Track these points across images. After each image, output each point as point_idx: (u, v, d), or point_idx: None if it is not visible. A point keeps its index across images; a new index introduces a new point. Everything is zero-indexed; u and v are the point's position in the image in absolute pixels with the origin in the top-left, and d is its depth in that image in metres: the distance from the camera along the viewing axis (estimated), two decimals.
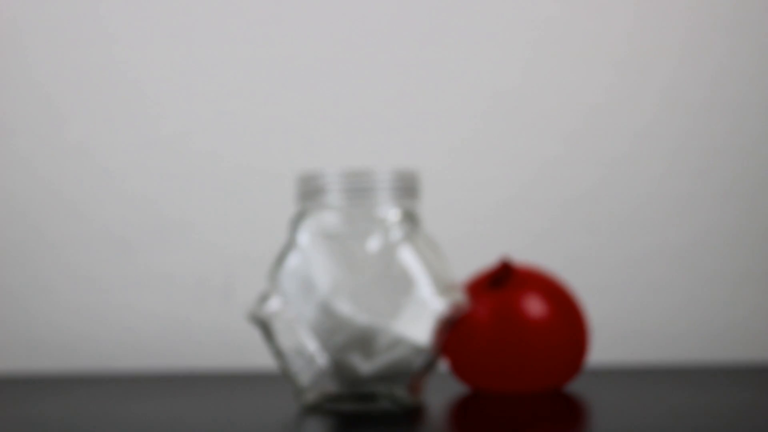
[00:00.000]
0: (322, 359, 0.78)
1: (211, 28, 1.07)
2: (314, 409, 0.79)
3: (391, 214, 0.79)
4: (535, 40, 1.06)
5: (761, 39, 1.05)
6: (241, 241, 1.06)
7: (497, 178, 1.06)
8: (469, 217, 1.06)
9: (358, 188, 0.79)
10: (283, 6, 1.07)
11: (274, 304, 0.79)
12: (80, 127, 1.08)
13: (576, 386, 0.86)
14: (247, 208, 1.06)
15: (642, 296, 1.05)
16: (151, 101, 1.07)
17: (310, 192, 0.80)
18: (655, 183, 1.05)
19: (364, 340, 0.76)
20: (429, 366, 0.79)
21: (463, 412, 0.80)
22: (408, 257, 0.79)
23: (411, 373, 0.78)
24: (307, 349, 0.79)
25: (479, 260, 1.05)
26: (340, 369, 0.77)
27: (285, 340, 0.79)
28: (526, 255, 1.05)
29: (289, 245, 0.80)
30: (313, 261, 0.77)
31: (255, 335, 1.05)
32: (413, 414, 0.77)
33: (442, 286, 0.79)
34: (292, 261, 0.78)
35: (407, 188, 0.80)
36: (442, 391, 0.85)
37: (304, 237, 0.79)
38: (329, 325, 0.76)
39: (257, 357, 1.06)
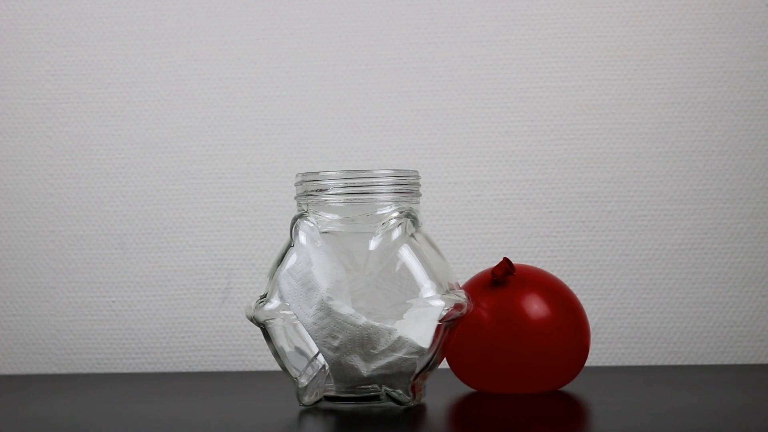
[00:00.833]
0: (322, 359, 0.78)
1: (211, 28, 1.07)
2: (314, 409, 0.79)
3: (391, 214, 0.79)
4: (535, 40, 1.06)
5: (762, 39, 1.05)
6: (241, 241, 1.06)
7: (497, 178, 1.06)
8: (469, 217, 1.06)
9: (358, 188, 0.79)
10: (283, 6, 1.07)
11: (273, 304, 0.79)
12: (80, 127, 1.08)
13: (576, 386, 0.86)
14: (247, 208, 1.06)
15: (642, 296, 1.05)
16: (151, 101, 1.07)
17: (310, 192, 0.80)
18: (655, 183, 1.05)
19: (364, 341, 0.76)
20: (429, 366, 0.79)
21: (463, 412, 0.80)
22: (408, 257, 0.79)
23: (411, 374, 0.78)
24: (307, 349, 0.79)
25: (479, 260, 1.04)
26: (340, 369, 0.77)
27: (285, 340, 0.79)
28: (526, 255, 1.05)
29: (289, 245, 0.80)
30: (313, 261, 0.77)
31: (255, 335, 1.05)
32: (413, 414, 0.77)
33: (443, 286, 0.79)
34: (292, 261, 0.78)
35: (407, 188, 0.80)
36: (442, 391, 0.85)
37: (304, 237, 0.79)
38: (329, 325, 0.76)
39: (257, 357, 1.06)
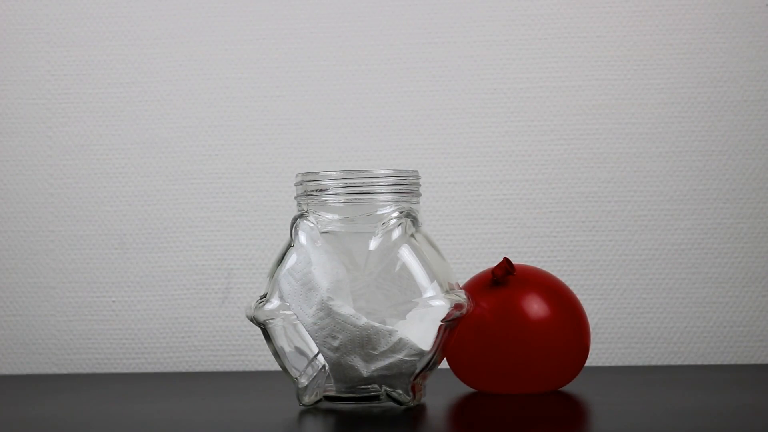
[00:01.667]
0: (322, 359, 0.78)
1: (211, 28, 1.07)
2: (314, 409, 0.79)
3: (391, 214, 0.79)
4: (535, 40, 1.06)
5: (762, 39, 1.05)
6: (241, 241, 1.06)
7: (497, 178, 1.06)
8: (469, 217, 1.06)
9: (358, 188, 0.79)
10: (283, 6, 1.07)
11: (273, 304, 0.79)
12: (80, 127, 1.08)
13: (576, 386, 0.86)
14: (247, 208, 1.06)
15: (642, 296, 1.05)
16: (151, 101, 1.07)
17: (310, 192, 0.80)
18: (655, 183, 1.05)
19: (365, 341, 0.76)
20: (429, 366, 0.79)
21: (463, 412, 0.80)
22: (408, 257, 0.79)
23: (411, 374, 0.78)
24: (307, 349, 0.79)
25: (479, 260, 1.04)
26: (340, 369, 0.77)
27: (285, 340, 0.79)
28: (526, 255, 1.05)
29: (289, 245, 0.80)
30: (313, 261, 0.77)
31: (255, 335, 1.05)
32: (413, 414, 0.77)
33: (443, 286, 0.79)
34: (292, 261, 0.78)
35: (407, 188, 0.80)
36: (442, 391, 0.85)
37: (304, 237, 0.79)
38: (329, 326, 0.76)
39: (257, 357, 1.06)
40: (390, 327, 0.76)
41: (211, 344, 1.06)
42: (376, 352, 0.76)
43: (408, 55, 1.06)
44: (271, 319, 0.79)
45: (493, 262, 1.00)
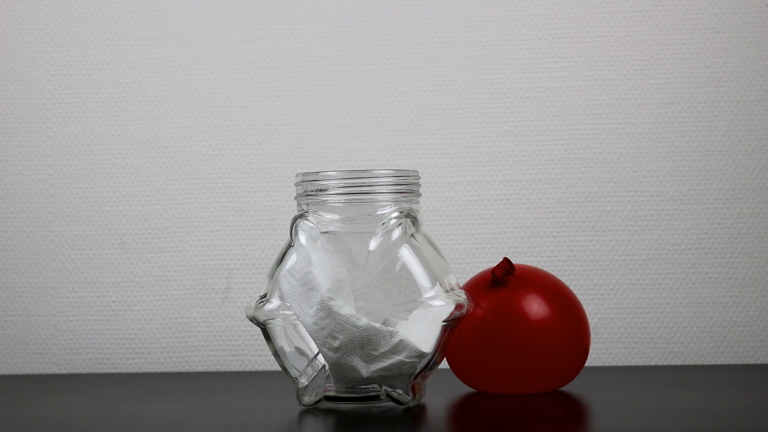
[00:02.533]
0: (322, 359, 0.78)
1: (211, 28, 1.07)
2: (314, 409, 0.79)
3: (391, 214, 0.79)
4: (535, 40, 1.06)
5: (762, 39, 1.05)
6: (241, 241, 1.06)
7: (497, 178, 1.06)
8: (469, 217, 1.06)
9: (358, 188, 0.79)
10: (283, 6, 1.07)
11: (273, 304, 0.79)
12: (80, 127, 1.08)
13: (576, 386, 0.86)
14: (247, 208, 1.06)
15: (642, 296, 1.05)
16: (151, 101, 1.07)
17: (310, 192, 0.80)
18: (655, 183, 1.05)
19: (365, 342, 0.76)
20: (429, 366, 0.79)
21: (463, 412, 0.80)
22: (408, 257, 0.79)
23: (411, 374, 0.78)
24: (307, 349, 0.79)
25: (479, 260, 1.04)
26: (340, 369, 0.77)
27: (285, 340, 0.79)
28: (526, 255, 1.05)
29: (289, 245, 0.80)
30: (313, 261, 0.77)
31: (255, 335, 1.05)
32: (413, 414, 0.77)
33: (443, 287, 0.79)
34: (292, 261, 0.78)
35: (407, 188, 0.80)
36: (442, 391, 0.85)
37: (304, 237, 0.79)
38: (329, 326, 0.76)
39: (257, 357, 1.06)
40: (390, 328, 0.76)
41: (211, 344, 1.06)
42: (376, 353, 0.76)
43: (408, 55, 1.06)
44: (271, 319, 0.79)
45: (493, 262, 1.00)
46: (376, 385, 0.77)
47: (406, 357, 0.77)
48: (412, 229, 0.79)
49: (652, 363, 1.04)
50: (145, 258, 1.07)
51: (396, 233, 0.79)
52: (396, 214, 0.79)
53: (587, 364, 0.90)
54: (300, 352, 0.79)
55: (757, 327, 1.04)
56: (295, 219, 0.80)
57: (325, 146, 1.06)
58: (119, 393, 0.92)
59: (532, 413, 0.78)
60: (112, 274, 1.07)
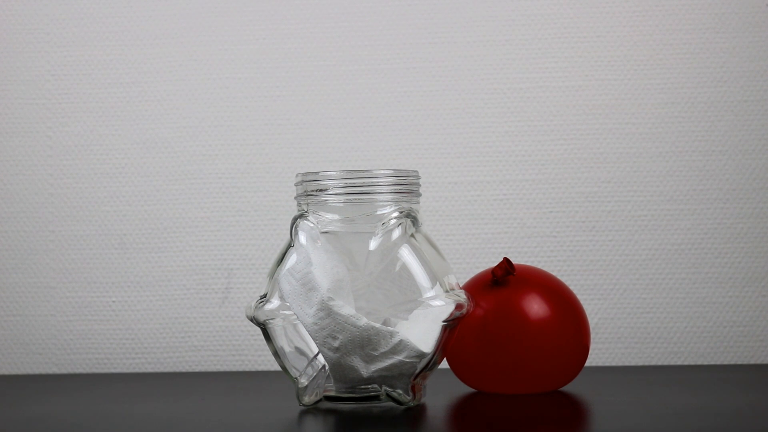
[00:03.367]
0: (321, 359, 0.78)
1: (211, 28, 1.07)
2: (314, 409, 0.79)
3: (391, 214, 0.79)
4: (535, 40, 1.06)
5: (762, 39, 1.05)
6: (241, 241, 1.06)
7: (497, 178, 1.06)
8: (469, 217, 1.06)
9: (358, 188, 0.79)
10: (283, 6, 1.07)
11: (273, 304, 0.79)
12: (80, 127, 1.08)
13: (576, 386, 0.86)
14: (247, 208, 1.06)
15: (642, 296, 1.05)
16: (151, 101, 1.07)
17: (310, 192, 0.80)
18: (655, 183, 1.05)
19: (365, 342, 0.76)
20: (429, 366, 0.79)
21: (463, 412, 0.80)
22: (408, 257, 0.79)
23: (411, 374, 0.78)
24: (307, 349, 0.79)
25: (479, 260, 1.04)
26: (340, 369, 0.77)
27: (285, 340, 0.79)
28: (526, 255, 1.05)
29: (289, 245, 0.80)
30: (313, 261, 0.77)
31: (255, 335, 1.05)
32: (413, 414, 0.77)
33: (443, 287, 0.79)
34: (292, 261, 0.78)
35: (407, 188, 0.80)
36: (442, 391, 0.85)
37: (304, 237, 0.78)
38: (329, 326, 0.76)
39: (257, 357, 1.06)
40: (390, 328, 0.76)
41: (211, 344, 1.06)
42: (376, 353, 0.76)
43: (408, 55, 1.06)
44: (271, 319, 0.79)
45: (493, 262, 1.00)
46: (376, 385, 0.77)
47: (406, 357, 0.77)
48: (412, 229, 0.79)
49: (652, 363, 1.04)
50: (145, 258, 1.07)
51: (396, 233, 0.79)
52: (396, 214, 0.79)
53: (587, 364, 0.90)
54: (300, 352, 0.79)
55: (757, 327, 1.04)
56: (295, 219, 0.80)
57: (325, 146, 1.06)
58: (119, 393, 0.92)
59: (532, 413, 0.78)
60: (112, 274, 1.07)
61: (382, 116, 1.06)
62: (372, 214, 0.79)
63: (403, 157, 1.06)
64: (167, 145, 1.07)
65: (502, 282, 0.84)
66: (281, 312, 0.78)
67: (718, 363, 1.04)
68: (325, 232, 0.79)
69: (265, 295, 0.80)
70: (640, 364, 1.04)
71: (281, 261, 0.79)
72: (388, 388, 0.77)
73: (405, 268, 0.78)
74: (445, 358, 0.81)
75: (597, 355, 1.04)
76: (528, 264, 0.98)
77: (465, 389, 0.86)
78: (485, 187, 1.06)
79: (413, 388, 0.78)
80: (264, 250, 1.06)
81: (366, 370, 0.76)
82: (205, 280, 1.06)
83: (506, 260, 0.84)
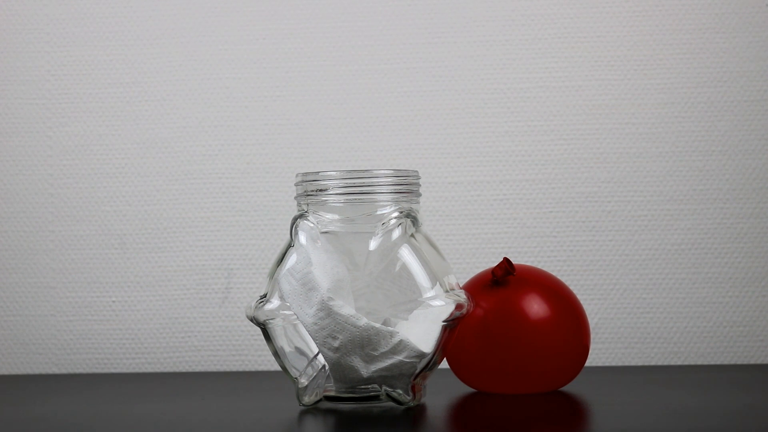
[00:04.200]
0: (321, 359, 0.78)
1: (211, 28, 1.07)
2: (314, 409, 0.79)
3: (391, 214, 0.79)
4: (535, 40, 1.06)
5: (762, 39, 1.05)
6: (241, 241, 1.06)
7: (497, 178, 1.06)
8: (469, 217, 1.06)
9: (358, 188, 0.79)
10: (283, 6, 1.07)
11: (273, 304, 0.79)
12: (80, 127, 1.08)
13: (576, 386, 0.86)
14: (247, 208, 1.06)
15: (642, 296, 1.05)
16: (151, 101, 1.07)
17: (310, 192, 0.80)
18: (655, 183, 1.05)
19: (365, 342, 0.76)
20: (429, 366, 0.79)
21: (463, 412, 0.80)
22: (408, 257, 0.79)
23: (411, 374, 0.78)
24: (307, 349, 0.79)
25: (479, 260, 1.04)
26: (340, 369, 0.77)
27: (285, 340, 0.79)
28: (526, 255, 1.05)
29: (289, 245, 0.80)
30: (313, 261, 0.77)
31: (255, 335, 1.05)
32: (413, 414, 0.77)
33: (443, 287, 0.79)
34: (292, 261, 0.78)
35: (407, 188, 0.80)
36: (442, 391, 0.85)
37: (303, 237, 0.78)
38: (329, 326, 0.76)
39: (257, 357, 1.06)
40: (390, 328, 0.76)
41: (211, 344, 1.06)
42: (376, 353, 0.76)
43: (408, 55, 1.06)
44: (271, 319, 0.79)
45: (493, 262, 1.00)
46: (376, 385, 0.77)
47: (406, 357, 0.77)
48: (412, 229, 0.79)
49: (652, 363, 1.04)
50: (145, 258, 1.07)
51: (396, 233, 0.79)
52: (396, 214, 0.79)
53: (587, 364, 0.90)
54: (300, 352, 0.79)
55: (757, 327, 1.04)
56: (295, 219, 0.80)
57: (325, 146, 1.06)
58: (119, 393, 0.92)
59: (532, 413, 0.78)
60: (112, 274, 1.07)
61: (382, 116, 1.06)
62: (372, 214, 0.79)
63: (403, 157, 1.06)
64: (167, 145, 1.07)
65: (502, 282, 0.84)
66: (281, 312, 0.78)
67: (718, 363, 1.04)
68: (325, 232, 0.79)
69: (265, 295, 0.80)
70: (640, 364, 1.04)
71: (281, 261, 0.79)
72: (388, 388, 0.77)
73: (405, 268, 0.78)
74: (445, 358, 0.81)
75: (597, 355, 1.04)
76: (528, 264, 0.98)
77: (465, 389, 0.86)
78: (485, 187, 1.06)
79: (413, 388, 0.78)
80: (264, 250, 1.06)
81: (366, 370, 0.76)
82: (205, 280, 1.06)
83: (506, 260, 0.84)
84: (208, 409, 0.83)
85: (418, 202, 0.81)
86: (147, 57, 1.07)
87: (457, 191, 1.06)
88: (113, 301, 1.07)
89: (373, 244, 0.78)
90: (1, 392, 0.95)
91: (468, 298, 0.80)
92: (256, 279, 1.06)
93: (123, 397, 0.90)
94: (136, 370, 1.06)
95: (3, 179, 1.08)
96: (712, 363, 1.04)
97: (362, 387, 0.78)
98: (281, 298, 0.78)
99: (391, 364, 0.76)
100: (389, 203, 0.79)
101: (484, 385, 0.85)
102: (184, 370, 1.06)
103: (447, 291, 0.79)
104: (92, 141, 1.07)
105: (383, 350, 0.76)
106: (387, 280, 0.78)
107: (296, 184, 0.80)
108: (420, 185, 0.81)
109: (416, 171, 0.81)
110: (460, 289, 0.80)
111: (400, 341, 0.76)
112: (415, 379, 0.78)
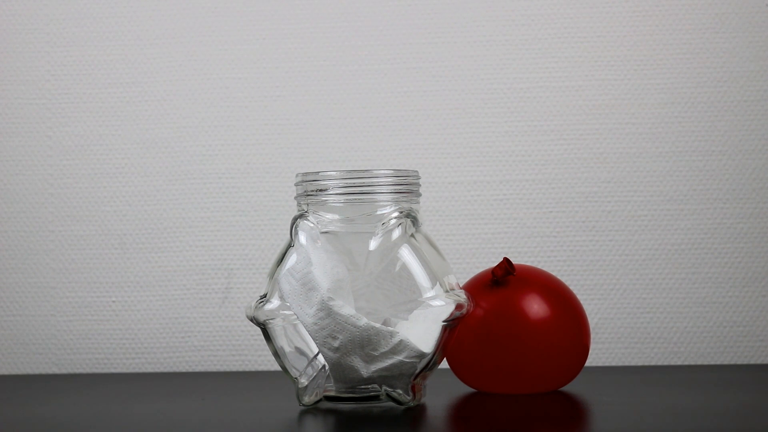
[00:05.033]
0: (322, 359, 0.78)
1: (211, 28, 1.07)
2: (314, 409, 0.79)
3: (391, 214, 0.79)
4: (535, 40, 1.06)
5: (762, 39, 1.05)
6: (241, 241, 1.06)
7: (497, 178, 1.06)
8: (469, 217, 1.06)
9: (358, 188, 0.79)
10: (283, 6, 1.07)
11: (273, 304, 0.79)
12: (80, 127, 1.08)
13: (576, 386, 0.86)
14: (247, 208, 1.06)
15: (642, 296, 1.05)
16: (151, 101, 1.07)
17: (310, 192, 0.80)
18: (655, 183, 1.05)
19: (365, 342, 0.76)
20: (429, 366, 0.79)
21: (463, 412, 0.80)
22: (408, 257, 0.79)
23: (411, 374, 0.78)
24: (307, 349, 0.79)
25: (479, 260, 1.05)
26: (340, 369, 0.77)
27: (285, 340, 0.79)
28: (526, 255, 1.05)
29: (289, 245, 0.80)
30: (313, 261, 0.77)
31: (255, 335, 1.05)
32: (413, 414, 0.77)
33: (443, 287, 0.79)
34: (292, 261, 0.78)
35: (407, 188, 0.80)
36: (442, 391, 0.85)
37: (303, 237, 0.78)
38: (330, 326, 0.76)
39: (257, 357, 1.06)
40: (390, 328, 0.76)
41: (211, 344, 1.06)
42: (376, 353, 0.76)
43: (408, 55, 1.06)
44: (271, 319, 0.79)
45: (493, 262, 1.00)
46: (376, 385, 0.77)
47: (406, 357, 0.77)
48: (412, 229, 0.79)
49: (652, 363, 1.04)
50: (145, 258, 1.07)
51: (396, 233, 0.79)
52: (396, 214, 0.79)
53: (587, 364, 0.89)
54: (300, 352, 0.79)
55: (757, 327, 1.04)
56: (295, 219, 0.80)
57: (325, 146, 1.06)
58: (119, 393, 0.92)
59: (532, 413, 0.78)
60: (112, 274, 1.07)
61: (382, 116, 1.06)
62: (372, 214, 0.79)
63: (403, 157, 1.06)
64: (167, 145, 1.07)
65: (502, 282, 0.84)
66: (281, 312, 0.78)
67: (718, 363, 1.04)
68: (325, 232, 0.79)
69: (265, 295, 0.80)
70: (640, 364, 1.04)
71: (281, 261, 0.79)
72: (388, 388, 0.77)
73: (405, 268, 0.78)
74: (445, 358, 0.81)
75: (597, 355, 1.04)
76: (528, 264, 0.98)
77: (465, 389, 0.86)
78: (485, 187, 1.06)
79: (413, 388, 0.78)
80: (264, 250, 1.06)
81: (366, 370, 0.76)
82: (205, 280, 1.06)
83: (506, 260, 0.84)
84: (208, 409, 0.83)
85: (418, 202, 0.81)
86: (147, 57, 1.07)
87: (457, 191, 1.06)
88: (113, 301, 1.07)
89: (373, 244, 0.78)
90: (1, 392, 0.95)
91: (468, 298, 0.80)
92: (256, 279, 1.06)
93: (123, 397, 0.90)
94: (136, 370, 1.06)
95: (3, 179, 1.08)
96: (712, 363, 1.04)
97: (362, 387, 0.78)
98: (281, 298, 0.78)
99: (391, 364, 0.76)
100: (389, 203, 0.79)
101: (484, 385, 0.85)
102: (184, 370, 1.06)
103: (447, 291, 0.79)
104: (92, 141, 1.07)
105: (383, 350, 0.76)
106: (387, 280, 0.78)
107: (296, 184, 0.80)
108: (420, 185, 0.81)
109: (416, 171, 0.81)
110: (460, 289, 0.80)
111: (400, 341, 0.76)
112: (415, 379, 0.78)
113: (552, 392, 0.85)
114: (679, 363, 1.04)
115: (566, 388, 0.86)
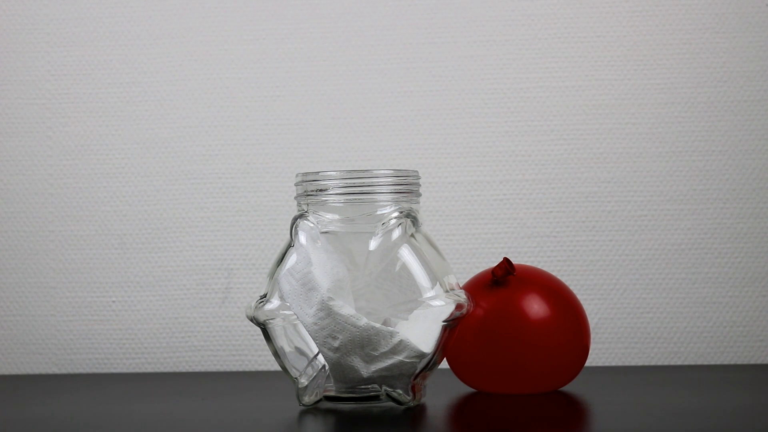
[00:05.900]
0: (321, 359, 0.78)
1: (211, 28, 1.07)
2: (314, 409, 0.79)
3: (391, 214, 0.79)
4: (535, 40, 1.06)
5: (762, 39, 1.05)
6: (241, 241, 1.06)
7: (497, 178, 1.06)
8: (469, 217, 1.06)
9: (358, 188, 0.79)
10: (283, 6, 1.07)
11: (273, 304, 0.79)
12: (80, 127, 1.08)
13: (576, 386, 0.86)
14: (247, 208, 1.06)
15: (642, 296, 1.05)
16: (151, 101, 1.07)
17: (310, 192, 0.80)
18: (655, 183, 1.05)
19: (365, 342, 0.76)
20: (429, 366, 0.79)
21: (463, 412, 0.80)
22: (408, 257, 0.79)
23: (411, 374, 0.78)
24: (307, 349, 0.79)
25: (479, 260, 1.04)
26: (340, 369, 0.77)
27: (285, 340, 0.79)
28: (526, 255, 1.05)
29: (289, 245, 0.80)
30: (313, 261, 0.77)
31: (255, 335, 1.05)
32: (413, 414, 0.77)
33: (443, 287, 0.79)
34: (292, 261, 0.78)
35: (407, 188, 0.80)
36: (442, 391, 0.85)
37: (304, 237, 0.78)
38: (329, 326, 0.76)
39: (257, 357, 1.06)
40: (390, 328, 0.76)
41: (211, 344, 1.06)
42: (376, 353, 0.76)
43: (408, 55, 1.06)
44: (271, 319, 0.79)
45: (493, 262, 1.00)
46: (376, 385, 0.77)
47: (406, 357, 0.77)
48: (412, 229, 0.79)
49: (652, 363, 1.04)
50: (145, 258, 1.07)
51: (396, 233, 0.79)
52: (396, 214, 0.79)
53: (587, 364, 0.89)
54: (300, 352, 0.79)
55: (757, 327, 1.04)
56: (295, 219, 0.80)
57: (325, 146, 1.06)
58: (119, 393, 0.92)
59: (532, 413, 0.78)
60: (112, 274, 1.07)
61: (382, 116, 1.06)
62: (372, 214, 0.79)
63: (403, 157, 1.06)
64: (167, 145, 1.07)
65: (502, 282, 0.84)
66: (281, 312, 0.78)
67: (718, 363, 1.04)
68: (325, 232, 0.79)
69: (265, 295, 0.80)
70: (640, 364, 1.04)
71: (281, 261, 0.79)
72: (388, 388, 0.77)
73: (405, 268, 0.78)
74: (445, 358, 0.81)
75: (597, 355, 1.04)
76: (528, 264, 0.98)
77: (465, 389, 0.86)
78: (485, 187, 1.06)
79: (413, 388, 0.78)
80: (264, 250, 1.06)
81: (366, 370, 0.76)
82: (205, 280, 1.06)
83: (506, 260, 0.84)
84: (208, 409, 0.83)
85: (418, 202, 0.81)
86: (147, 57, 1.07)
87: (457, 191, 1.06)
88: (113, 301, 1.07)
89: (373, 244, 0.78)
90: (1, 392, 0.95)
91: (468, 298, 0.80)
92: (256, 279, 1.06)
93: (123, 397, 0.90)
94: (136, 370, 1.06)
95: (3, 179, 1.08)
96: (712, 363, 1.04)
97: (362, 387, 0.78)
98: (281, 298, 0.78)
99: (391, 364, 0.76)
100: (389, 203, 0.79)
101: (484, 385, 0.85)
102: (184, 370, 1.06)
103: (447, 291, 0.79)
104: (92, 141, 1.07)
105: (383, 350, 0.76)
106: (387, 280, 0.78)
107: (296, 184, 0.80)
108: (420, 185, 0.81)
109: (416, 171, 0.81)
110: (460, 289, 0.80)
111: (400, 341, 0.76)
112: (415, 379, 0.78)
113: (552, 392, 0.85)
114: (679, 363, 1.04)
115: (566, 388, 0.86)
